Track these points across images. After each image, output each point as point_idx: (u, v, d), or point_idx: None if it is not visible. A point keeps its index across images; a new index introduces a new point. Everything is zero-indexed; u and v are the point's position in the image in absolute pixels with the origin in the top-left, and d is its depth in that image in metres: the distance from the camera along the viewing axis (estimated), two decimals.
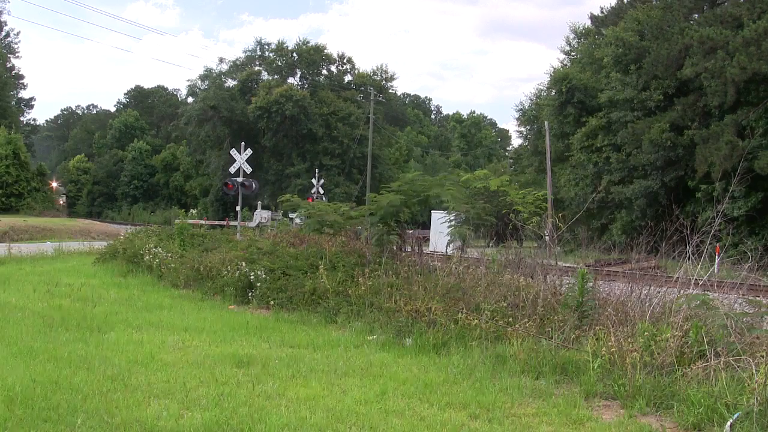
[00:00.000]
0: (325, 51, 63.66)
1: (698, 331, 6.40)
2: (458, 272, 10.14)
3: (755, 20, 25.32)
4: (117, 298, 11.31)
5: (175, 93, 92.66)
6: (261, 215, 27.03)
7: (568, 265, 13.37)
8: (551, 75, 40.43)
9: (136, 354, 7.16)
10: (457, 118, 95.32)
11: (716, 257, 11.58)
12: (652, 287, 8.33)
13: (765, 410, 5.06)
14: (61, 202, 67.73)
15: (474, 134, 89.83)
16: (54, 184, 65.07)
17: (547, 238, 11.02)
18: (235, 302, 11.29)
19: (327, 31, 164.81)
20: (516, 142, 74.10)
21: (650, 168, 30.50)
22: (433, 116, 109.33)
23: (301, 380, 6.37)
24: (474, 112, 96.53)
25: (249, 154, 21.66)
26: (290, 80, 63.16)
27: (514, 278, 9.37)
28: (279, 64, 62.88)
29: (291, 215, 26.50)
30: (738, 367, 5.84)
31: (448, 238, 12.08)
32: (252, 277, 11.39)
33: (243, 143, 22.31)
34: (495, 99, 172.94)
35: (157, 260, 14.74)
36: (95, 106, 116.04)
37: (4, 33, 61.46)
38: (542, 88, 46.99)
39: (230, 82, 63.10)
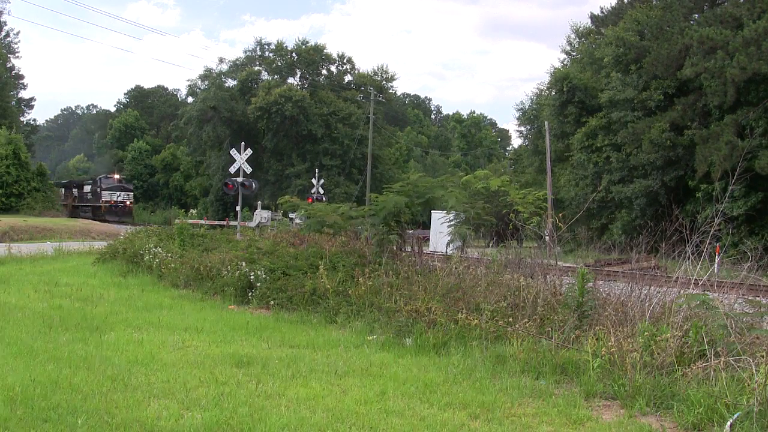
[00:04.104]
0: (325, 51, 63.59)
1: (698, 331, 6.40)
2: (458, 272, 10.12)
3: (755, 20, 25.31)
4: (117, 298, 11.31)
5: (175, 93, 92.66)
6: (261, 215, 27.02)
7: (568, 265, 13.37)
8: (552, 75, 40.46)
9: (136, 354, 7.16)
10: (457, 118, 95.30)
11: (716, 257, 11.57)
12: (652, 287, 8.32)
13: (765, 410, 5.06)
14: (128, 203, 53.27)
15: (474, 134, 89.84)
16: (116, 176, 56.07)
17: (547, 238, 11.03)
18: (235, 302, 11.28)
19: (329, 32, 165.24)
20: (516, 142, 74.39)
21: (650, 168, 30.52)
22: (433, 116, 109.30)
23: (301, 380, 6.37)
24: (474, 112, 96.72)
25: (249, 154, 21.69)
26: (290, 80, 63.13)
27: (514, 278, 9.36)
28: (279, 64, 62.83)
29: (291, 215, 26.49)
30: (738, 367, 5.84)
31: (448, 238, 12.08)
32: (252, 277, 11.39)
33: (243, 143, 22.32)
34: (495, 99, 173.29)
35: (157, 260, 14.74)
36: (95, 106, 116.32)
37: (4, 33, 61.24)
38: (543, 87, 47.13)
39: (230, 82, 63.03)
